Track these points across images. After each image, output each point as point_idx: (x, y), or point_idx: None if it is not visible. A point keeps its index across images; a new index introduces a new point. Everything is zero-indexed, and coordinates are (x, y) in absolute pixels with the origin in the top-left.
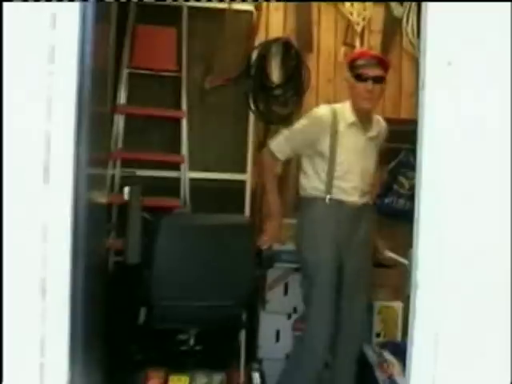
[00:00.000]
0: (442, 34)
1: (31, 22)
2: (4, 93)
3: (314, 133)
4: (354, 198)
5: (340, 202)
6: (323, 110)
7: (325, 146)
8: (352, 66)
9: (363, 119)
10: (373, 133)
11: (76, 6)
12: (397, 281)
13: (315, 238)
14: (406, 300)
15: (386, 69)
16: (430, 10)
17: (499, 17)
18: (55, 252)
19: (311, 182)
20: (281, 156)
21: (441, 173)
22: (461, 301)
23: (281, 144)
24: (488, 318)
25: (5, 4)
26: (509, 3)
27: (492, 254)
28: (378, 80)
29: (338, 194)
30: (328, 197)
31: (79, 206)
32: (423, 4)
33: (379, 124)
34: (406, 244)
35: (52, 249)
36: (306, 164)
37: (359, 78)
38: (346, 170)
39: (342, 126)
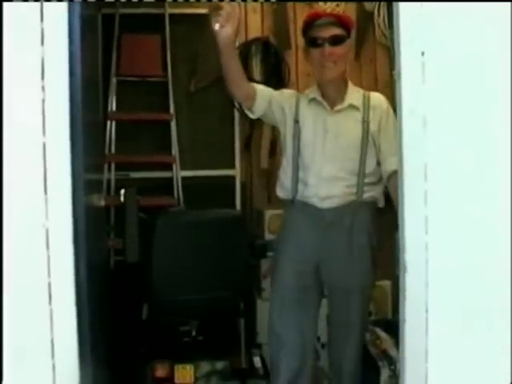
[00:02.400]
0: (414, 25)
1: (22, 38)
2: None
3: (282, 102)
4: (328, 193)
5: (308, 204)
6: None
7: (288, 128)
8: (305, 31)
9: (330, 93)
10: (343, 105)
11: (63, 20)
12: (384, 260)
13: (280, 249)
14: (396, 280)
15: (347, 26)
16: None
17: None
18: (58, 257)
19: (281, 179)
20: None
21: (421, 157)
22: (448, 281)
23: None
24: (475, 295)
25: None
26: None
27: (479, 233)
28: (337, 40)
29: (305, 193)
30: (293, 197)
31: (78, 211)
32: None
33: (359, 95)
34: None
35: (55, 255)
36: (282, 155)
37: (313, 42)
38: (310, 159)
39: (302, 107)
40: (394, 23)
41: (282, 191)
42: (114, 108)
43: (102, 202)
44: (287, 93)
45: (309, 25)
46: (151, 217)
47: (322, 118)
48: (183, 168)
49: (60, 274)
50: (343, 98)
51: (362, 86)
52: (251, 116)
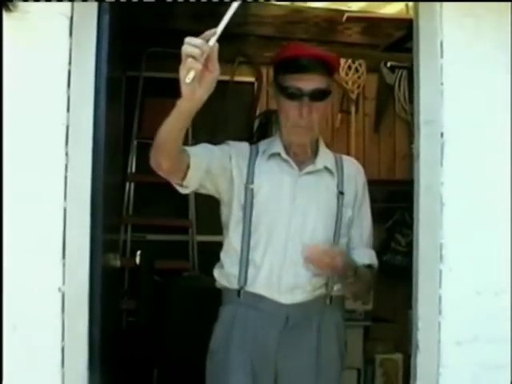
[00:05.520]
0: (435, 106)
1: (49, 104)
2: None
3: (228, 162)
4: (293, 283)
5: (263, 298)
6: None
7: (236, 194)
8: (278, 70)
9: (297, 149)
10: (316, 166)
11: (90, 90)
12: (397, 334)
13: (220, 360)
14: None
15: (333, 69)
16: (423, 84)
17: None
18: (73, 322)
19: (223, 262)
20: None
21: (436, 238)
22: (461, 362)
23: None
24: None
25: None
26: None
27: (493, 315)
28: (321, 94)
29: (259, 281)
30: (240, 287)
31: (95, 274)
32: (415, 79)
33: (331, 157)
34: (405, 300)
35: (70, 319)
36: (224, 230)
37: (287, 92)
38: (270, 234)
39: (259, 165)
40: (415, 103)
41: (224, 278)
42: (134, 170)
43: (118, 264)
44: (237, 147)
45: (284, 65)
46: (165, 281)
47: (288, 181)
48: (199, 232)
49: (74, 339)
50: (314, 157)
51: (380, 159)
52: (182, 191)
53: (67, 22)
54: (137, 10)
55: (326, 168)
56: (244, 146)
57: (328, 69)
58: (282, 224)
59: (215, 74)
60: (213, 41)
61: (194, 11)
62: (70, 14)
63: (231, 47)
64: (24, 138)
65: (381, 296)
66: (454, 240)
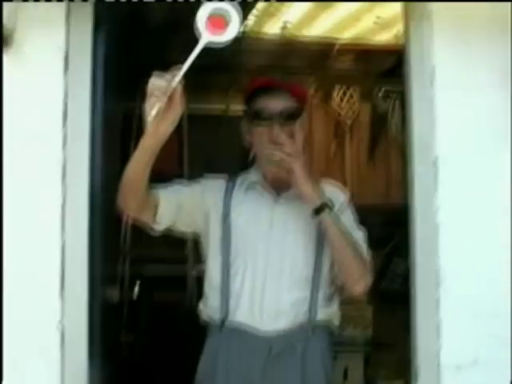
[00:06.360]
0: (428, 132)
1: (44, 142)
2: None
3: (201, 197)
4: (274, 310)
5: (245, 329)
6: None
7: (213, 228)
8: (247, 102)
9: (275, 176)
10: (293, 192)
11: (86, 125)
12: (398, 359)
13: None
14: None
15: (301, 98)
16: (416, 109)
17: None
18: (72, 359)
19: (206, 294)
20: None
21: (433, 263)
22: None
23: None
24: None
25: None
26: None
27: (491, 341)
28: (290, 115)
29: (240, 311)
30: (223, 319)
31: (94, 309)
32: (408, 104)
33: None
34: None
35: (69, 355)
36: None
37: (257, 117)
38: (248, 261)
39: (236, 196)
40: (408, 129)
41: (208, 310)
42: None
43: (117, 297)
44: (212, 181)
45: (253, 93)
46: (165, 313)
47: (266, 207)
48: (198, 262)
49: (74, 371)
50: (292, 183)
51: (376, 186)
52: (156, 229)
53: (62, 55)
54: (132, 42)
55: None
56: (220, 180)
57: (295, 96)
58: (261, 253)
59: (178, 111)
60: (176, 81)
61: (189, 43)
62: (64, 48)
63: (225, 77)
64: (21, 174)
65: (381, 321)
66: (451, 264)
